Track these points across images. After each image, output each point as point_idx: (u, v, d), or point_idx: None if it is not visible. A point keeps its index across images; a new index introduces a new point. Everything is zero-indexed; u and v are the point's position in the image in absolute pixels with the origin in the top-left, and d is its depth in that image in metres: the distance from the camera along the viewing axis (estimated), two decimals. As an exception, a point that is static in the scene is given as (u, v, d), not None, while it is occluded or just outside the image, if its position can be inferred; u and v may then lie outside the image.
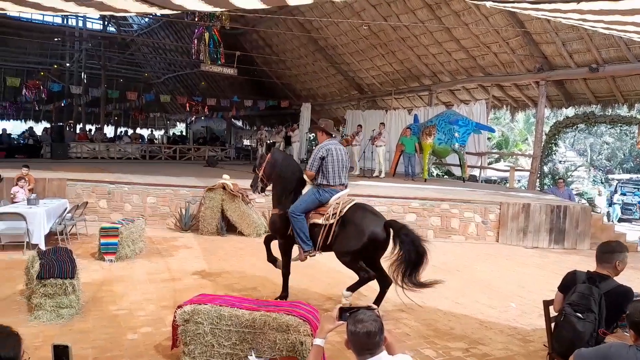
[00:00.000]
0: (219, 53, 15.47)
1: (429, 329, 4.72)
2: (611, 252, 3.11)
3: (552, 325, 3.36)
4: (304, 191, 5.18)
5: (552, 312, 3.48)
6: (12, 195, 8.44)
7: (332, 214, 4.74)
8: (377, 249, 4.69)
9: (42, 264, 4.63)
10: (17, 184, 8.55)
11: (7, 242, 7.17)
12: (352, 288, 4.76)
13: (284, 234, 5.09)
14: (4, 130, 20.57)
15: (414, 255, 4.44)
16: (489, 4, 4.04)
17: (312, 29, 17.78)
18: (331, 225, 4.74)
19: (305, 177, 5.10)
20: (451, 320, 5.01)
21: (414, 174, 13.65)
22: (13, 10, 3.61)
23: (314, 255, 5.00)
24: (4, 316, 4.45)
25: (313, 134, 24.57)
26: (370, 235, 4.57)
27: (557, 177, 16.58)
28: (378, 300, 4.71)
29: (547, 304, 3.56)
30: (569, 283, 3.21)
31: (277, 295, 5.20)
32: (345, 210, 4.74)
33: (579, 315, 2.94)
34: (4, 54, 25.88)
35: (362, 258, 4.72)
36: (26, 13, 22.26)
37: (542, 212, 9.39)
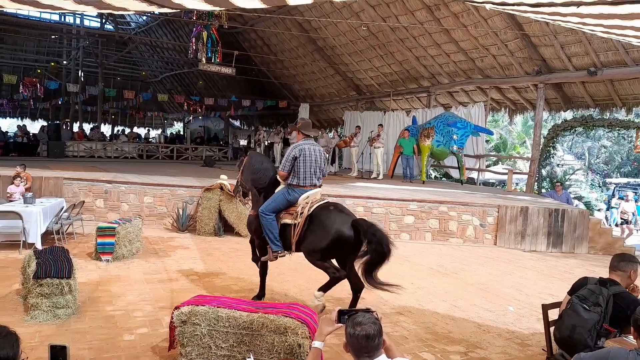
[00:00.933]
0: (217, 52, 15.43)
1: (427, 332, 4.71)
2: (628, 261, 3.22)
3: (552, 329, 3.36)
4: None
5: (551, 316, 3.48)
6: (8, 194, 8.40)
7: (300, 213, 4.69)
8: (344, 247, 4.54)
9: (38, 264, 4.59)
10: (13, 183, 8.51)
11: (3, 240, 7.13)
12: (324, 288, 4.68)
13: (260, 235, 5.02)
14: (-1, 127, 20.51)
15: (377, 255, 4.33)
16: (488, 6, 4.03)
17: (311, 29, 17.77)
18: (299, 224, 4.68)
19: (279, 177, 5.03)
20: (449, 323, 5.00)
21: (412, 176, 13.64)
22: (11, 7, 3.57)
23: (284, 256, 4.93)
24: (1, 315, 4.42)
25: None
26: (335, 233, 4.47)
27: (555, 180, 16.61)
28: (352, 305, 4.59)
29: (546, 307, 3.56)
30: (578, 287, 3.26)
31: (272, 296, 5.18)
32: (313, 209, 4.67)
33: (585, 306, 3.00)
34: (0, 51, 25.79)
35: (330, 257, 4.66)
36: (23, 10, 22.21)
37: (540, 215, 9.40)
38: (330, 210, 4.66)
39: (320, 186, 5.01)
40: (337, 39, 17.28)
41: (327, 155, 16.08)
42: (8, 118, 27.92)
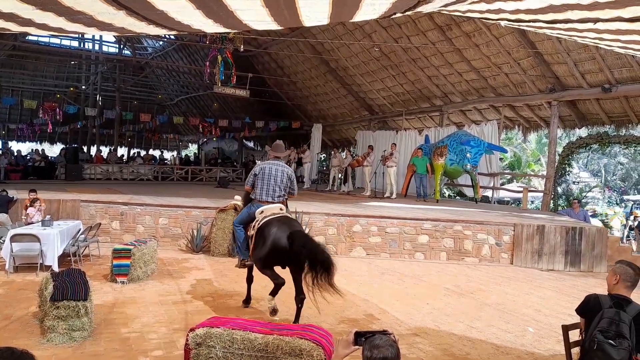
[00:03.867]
0: (232, 75, 15.67)
1: (445, 354, 4.62)
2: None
3: (573, 350, 3.26)
4: None
5: (572, 337, 3.40)
6: (24, 217, 8.54)
7: (253, 226, 5.13)
8: (282, 257, 4.87)
9: (55, 286, 4.63)
10: (32, 205, 8.65)
11: (21, 263, 7.21)
12: (273, 293, 5.10)
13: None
14: (19, 152, 20.89)
15: (314, 266, 4.52)
16: (504, 23, 4.05)
17: (324, 50, 17.99)
18: (252, 235, 5.12)
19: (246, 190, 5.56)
20: (466, 345, 4.90)
21: (426, 194, 13.57)
22: (35, 34, 3.69)
23: (250, 264, 5.43)
24: (17, 338, 4.45)
25: (324, 155, 24.74)
26: (271, 244, 4.81)
27: (571, 198, 16.39)
28: (296, 318, 4.93)
29: (566, 328, 3.47)
30: (592, 308, 3.10)
31: (292, 319, 5.15)
32: (263, 222, 5.01)
33: (612, 342, 2.85)
34: (22, 77, 26.52)
35: (271, 266, 5.03)
36: (44, 37, 22.90)
37: (557, 233, 9.26)
38: (274, 223, 4.96)
39: (281, 202, 5.39)
40: (349, 60, 17.46)
41: (340, 174, 16.11)
42: (27, 142, 28.50)
